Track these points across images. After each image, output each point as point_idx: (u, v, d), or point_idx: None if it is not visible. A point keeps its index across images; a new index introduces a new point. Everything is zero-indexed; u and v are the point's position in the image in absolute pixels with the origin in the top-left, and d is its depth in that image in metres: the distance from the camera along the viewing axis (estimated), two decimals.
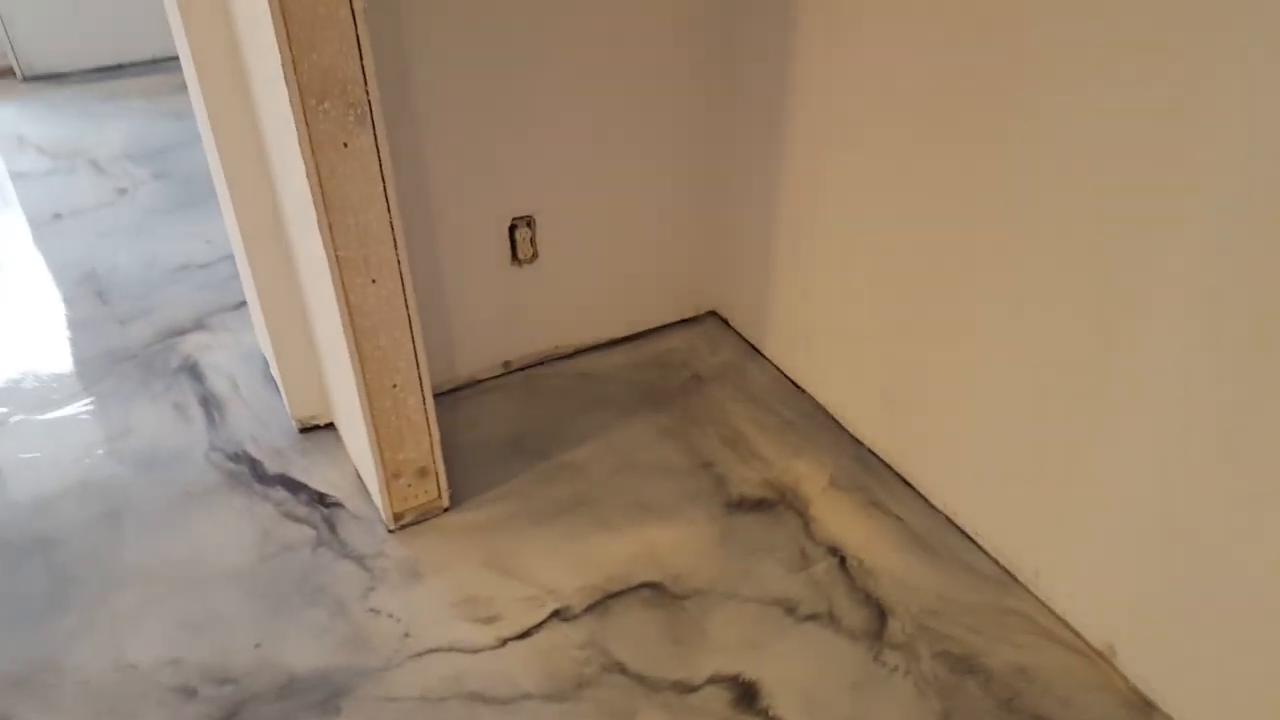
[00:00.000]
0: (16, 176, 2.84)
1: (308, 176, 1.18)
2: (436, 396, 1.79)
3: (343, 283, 1.28)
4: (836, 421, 1.77)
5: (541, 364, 1.95)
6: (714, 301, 2.11)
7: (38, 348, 2.04)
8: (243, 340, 2.04)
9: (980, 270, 1.35)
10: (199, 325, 2.10)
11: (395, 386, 1.41)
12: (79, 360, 1.99)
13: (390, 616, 1.39)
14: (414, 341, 1.39)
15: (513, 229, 1.77)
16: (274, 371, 1.80)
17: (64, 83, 3.53)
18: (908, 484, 1.62)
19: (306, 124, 1.15)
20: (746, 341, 2.01)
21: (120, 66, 3.64)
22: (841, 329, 1.71)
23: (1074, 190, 1.17)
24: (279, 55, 1.10)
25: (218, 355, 1.99)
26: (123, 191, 2.71)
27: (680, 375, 1.92)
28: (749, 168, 1.82)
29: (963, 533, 1.52)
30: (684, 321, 2.09)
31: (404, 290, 1.34)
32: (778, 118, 1.69)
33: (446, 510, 1.57)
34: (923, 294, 1.47)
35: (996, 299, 1.34)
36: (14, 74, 3.54)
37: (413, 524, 1.54)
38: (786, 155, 1.70)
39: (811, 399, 1.84)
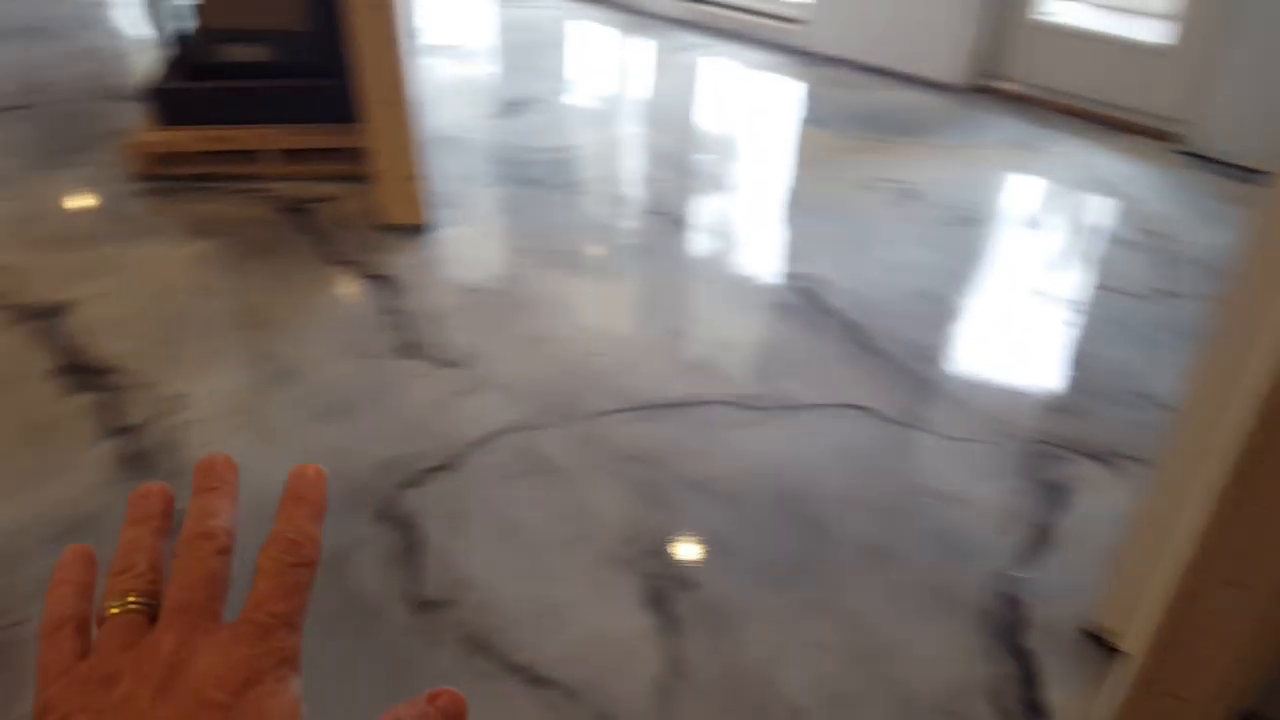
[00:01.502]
0: (1115, 241, 2.97)
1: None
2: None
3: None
4: None
5: None
6: None
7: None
8: (1125, 500, 1.86)
9: None
10: (1103, 457, 1.98)
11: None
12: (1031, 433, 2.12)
13: None
14: None
15: None
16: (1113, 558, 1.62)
17: (1217, 170, 3.45)
18: None
19: None
20: None
21: None
22: None
23: None
24: None
25: (1092, 497, 1.87)
26: (1166, 293, 2.62)
27: None
28: None
29: None
30: None
31: None
32: None
33: None
34: None
35: None
36: (1177, 141, 3.60)
37: None
38: None
39: None
